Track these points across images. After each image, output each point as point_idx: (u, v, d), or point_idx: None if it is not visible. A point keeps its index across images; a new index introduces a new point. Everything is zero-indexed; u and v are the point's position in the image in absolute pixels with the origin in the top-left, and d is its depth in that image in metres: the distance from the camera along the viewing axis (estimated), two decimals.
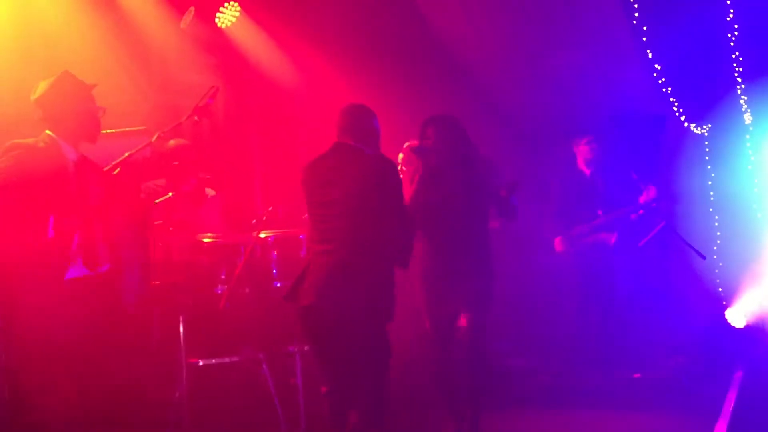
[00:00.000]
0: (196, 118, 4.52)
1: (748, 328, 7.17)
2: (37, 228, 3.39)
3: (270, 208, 4.82)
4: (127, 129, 4.44)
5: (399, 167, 5.35)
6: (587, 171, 6.27)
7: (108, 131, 4.21)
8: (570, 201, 6.18)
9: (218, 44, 6.02)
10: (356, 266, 3.55)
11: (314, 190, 3.75)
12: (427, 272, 4.36)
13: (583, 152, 6.24)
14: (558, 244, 6.14)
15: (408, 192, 4.48)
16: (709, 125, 7.81)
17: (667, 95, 7.09)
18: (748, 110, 7.62)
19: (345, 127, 3.79)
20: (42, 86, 3.64)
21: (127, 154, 4.27)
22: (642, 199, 5.96)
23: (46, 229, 3.39)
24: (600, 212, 6.11)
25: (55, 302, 3.40)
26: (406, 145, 5.49)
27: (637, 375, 5.99)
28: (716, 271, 7.61)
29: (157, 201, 4.57)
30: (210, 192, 4.75)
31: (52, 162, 3.51)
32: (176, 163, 4.95)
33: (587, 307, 6.12)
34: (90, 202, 3.56)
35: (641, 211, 6.11)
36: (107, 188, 3.74)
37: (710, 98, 7.37)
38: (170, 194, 4.61)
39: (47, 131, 3.59)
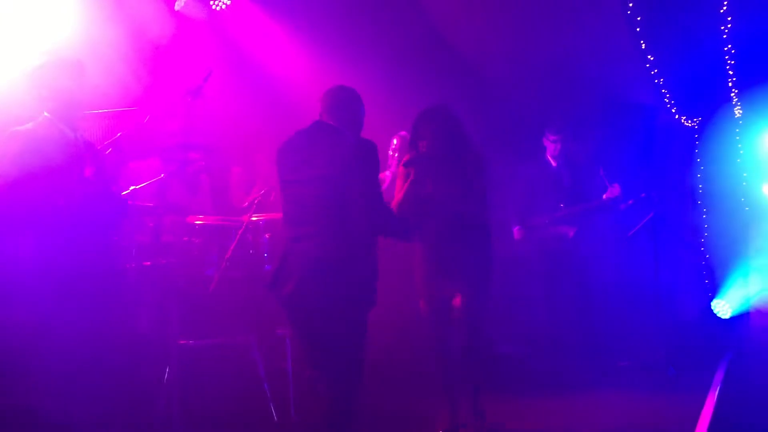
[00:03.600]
0: (189, 99, 4.51)
1: (733, 319, 7.25)
2: (50, 212, 3.38)
3: (263, 192, 4.82)
4: (119, 110, 4.39)
5: (392, 153, 5.37)
6: (554, 163, 6.31)
7: (99, 111, 4.19)
8: (534, 191, 6.25)
9: (213, 26, 5.98)
10: (335, 252, 3.45)
11: (287, 168, 3.60)
12: (424, 256, 4.38)
13: (549, 147, 6.31)
14: (516, 232, 6.25)
15: (399, 180, 4.50)
16: (700, 118, 7.87)
17: (659, 87, 7.13)
18: (739, 104, 7.67)
19: (327, 108, 3.65)
20: (34, 65, 3.60)
21: (118, 135, 4.27)
22: (605, 196, 6.03)
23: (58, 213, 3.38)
24: (562, 205, 6.17)
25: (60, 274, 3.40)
26: (401, 133, 5.52)
27: (623, 363, 6.05)
28: (703, 262, 7.69)
29: (149, 182, 4.55)
30: None
31: (55, 144, 3.47)
32: (168, 144, 4.93)
33: (572, 295, 6.18)
34: (89, 182, 3.55)
35: (630, 201, 6.17)
36: (102, 169, 3.71)
37: (701, 91, 7.41)
38: (162, 176, 4.59)
39: (45, 113, 3.56)
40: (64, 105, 3.57)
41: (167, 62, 5.55)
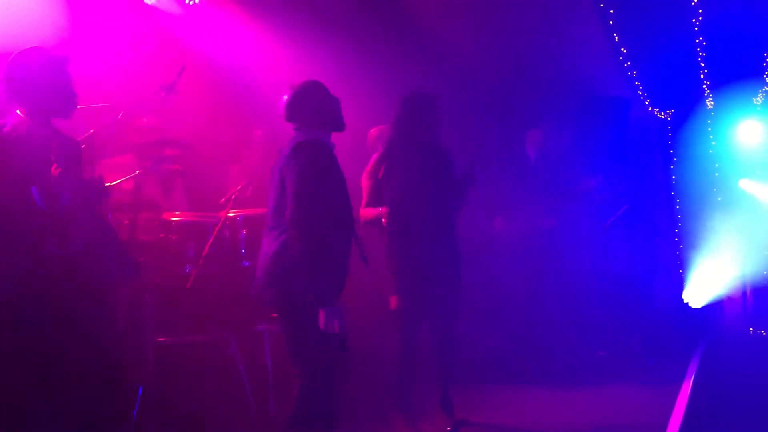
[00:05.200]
0: (162, 95, 4.46)
1: (706, 308, 7.36)
2: (11, 209, 3.30)
3: (239, 187, 4.80)
4: (92, 105, 4.32)
5: (373, 144, 5.28)
6: (532, 155, 6.36)
7: None
8: (514, 183, 6.29)
9: (186, 21, 5.93)
10: (272, 253, 3.44)
11: None
12: (402, 251, 4.37)
13: (530, 139, 6.36)
14: (498, 222, 6.28)
15: (365, 178, 4.49)
16: (672, 110, 7.96)
17: (632, 79, 7.19)
18: (711, 96, 7.78)
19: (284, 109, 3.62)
20: (9, 60, 3.51)
21: (92, 131, 4.21)
22: (585, 187, 6.10)
23: (21, 210, 3.29)
24: (542, 196, 6.22)
25: (28, 278, 3.34)
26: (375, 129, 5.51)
27: (601, 353, 6.11)
28: (677, 252, 7.80)
29: (124, 179, 4.51)
30: None
31: (17, 146, 3.39)
32: (142, 140, 4.89)
33: (550, 287, 6.23)
34: (60, 180, 3.46)
35: (606, 194, 6.23)
36: (79, 165, 3.63)
37: (674, 83, 7.50)
38: (137, 172, 4.55)
39: (17, 111, 3.47)
40: (37, 103, 3.47)
41: (140, 57, 5.49)
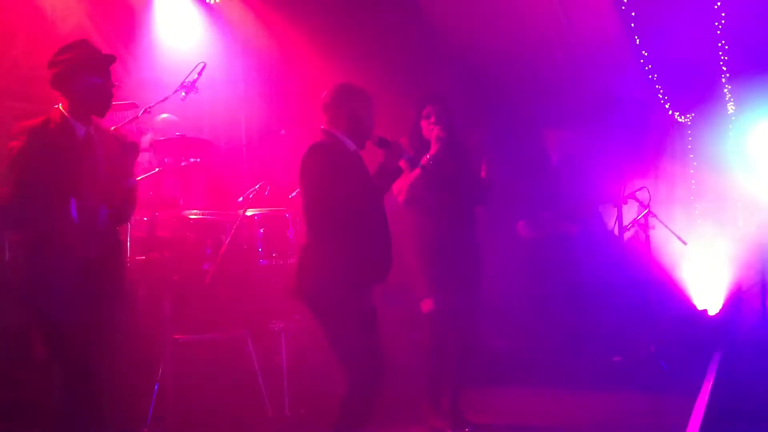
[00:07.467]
0: (183, 93, 4.48)
1: (723, 313, 7.29)
2: (60, 209, 3.31)
3: (257, 186, 4.81)
4: (114, 103, 4.35)
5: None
6: (555, 158, 6.33)
7: None
8: (536, 186, 6.25)
9: (207, 20, 5.96)
10: (303, 251, 3.52)
11: None
12: (432, 254, 4.36)
13: (552, 141, 6.32)
14: (521, 228, 6.23)
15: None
16: (693, 114, 7.91)
17: (653, 82, 7.15)
18: (732, 100, 7.72)
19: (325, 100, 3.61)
20: (56, 53, 3.48)
21: (112, 129, 4.23)
22: (604, 194, 6.06)
23: (69, 212, 3.31)
24: (564, 201, 6.18)
25: (75, 281, 3.37)
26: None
27: (617, 358, 6.07)
28: (695, 256, 7.74)
29: (143, 176, 4.53)
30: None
31: (61, 142, 3.34)
32: (162, 138, 4.92)
33: (566, 291, 6.20)
34: (100, 178, 3.47)
35: (626, 198, 6.19)
36: (116, 162, 3.62)
37: (695, 87, 7.44)
38: (156, 170, 4.58)
39: (59, 106, 3.45)
40: (76, 99, 3.44)
41: (161, 56, 5.53)
